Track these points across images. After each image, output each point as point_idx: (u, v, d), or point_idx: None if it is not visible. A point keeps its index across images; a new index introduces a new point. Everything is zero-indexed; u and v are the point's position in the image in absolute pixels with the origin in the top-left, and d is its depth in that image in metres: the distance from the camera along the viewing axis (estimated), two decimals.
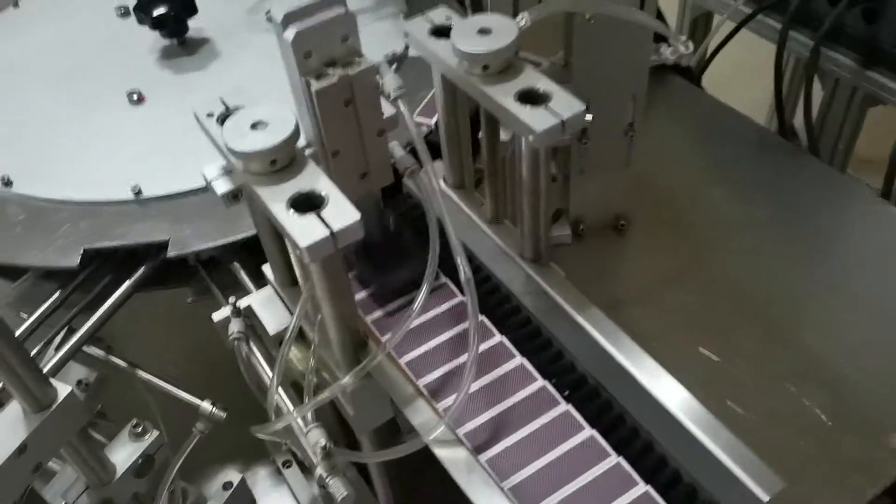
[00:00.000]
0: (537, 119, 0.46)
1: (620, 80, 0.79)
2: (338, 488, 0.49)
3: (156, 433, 0.60)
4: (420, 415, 0.50)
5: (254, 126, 0.44)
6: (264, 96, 0.46)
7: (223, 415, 0.61)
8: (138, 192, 0.68)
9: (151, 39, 0.85)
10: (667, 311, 0.83)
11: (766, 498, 0.43)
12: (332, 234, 0.41)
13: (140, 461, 0.59)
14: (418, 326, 0.54)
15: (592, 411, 0.50)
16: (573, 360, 0.53)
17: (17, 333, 0.61)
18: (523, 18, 0.51)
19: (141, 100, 0.79)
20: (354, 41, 0.46)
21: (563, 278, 0.57)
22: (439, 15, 0.53)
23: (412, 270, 0.52)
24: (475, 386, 0.50)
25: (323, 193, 0.43)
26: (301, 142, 0.45)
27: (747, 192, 0.97)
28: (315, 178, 0.44)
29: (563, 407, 0.49)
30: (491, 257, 0.59)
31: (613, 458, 0.47)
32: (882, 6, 0.97)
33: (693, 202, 0.96)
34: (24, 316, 0.64)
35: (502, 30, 0.48)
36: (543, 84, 0.48)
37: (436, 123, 0.64)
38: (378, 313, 0.55)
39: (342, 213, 0.42)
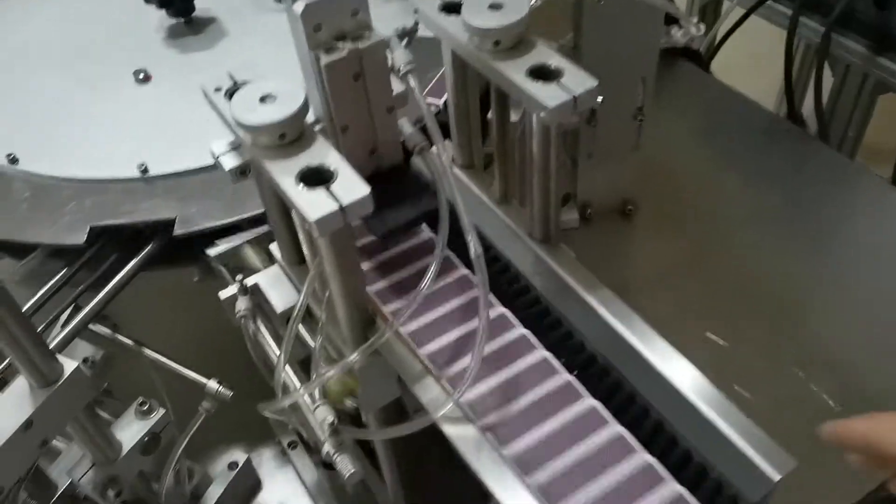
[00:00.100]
0: (549, 95, 0.45)
1: (630, 63, 0.78)
2: (345, 465, 0.49)
3: (162, 411, 0.60)
4: (428, 392, 0.49)
5: (262, 100, 0.44)
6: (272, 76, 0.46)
7: (229, 393, 0.61)
8: (145, 171, 0.68)
9: (158, 18, 0.85)
10: (674, 297, 0.83)
11: (777, 477, 0.43)
12: (342, 208, 0.41)
13: (146, 439, 0.59)
14: (426, 302, 0.53)
15: (602, 391, 0.49)
16: (583, 339, 0.53)
17: (24, 310, 0.61)
18: None
19: (147, 79, 0.78)
20: (364, 15, 0.46)
21: (573, 259, 0.56)
22: None
23: (415, 208, 0.51)
24: (482, 365, 0.49)
25: (332, 168, 0.42)
26: (309, 118, 0.45)
27: (756, 179, 0.96)
28: (324, 153, 0.43)
29: (565, 377, 0.49)
30: (500, 238, 0.59)
31: (615, 427, 0.46)
32: None
33: (701, 188, 0.96)
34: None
35: (514, 5, 0.48)
36: (555, 60, 0.47)
37: (444, 103, 0.63)
38: (382, 283, 0.54)
39: (352, 187, 0.41)
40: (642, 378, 0.50)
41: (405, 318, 0.48)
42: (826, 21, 1.01)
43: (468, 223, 0.46)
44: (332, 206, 0.40)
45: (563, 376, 0.48)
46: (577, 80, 0.46)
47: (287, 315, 0.57)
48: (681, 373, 0.49)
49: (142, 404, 0.59)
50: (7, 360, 0.60)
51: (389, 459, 0.63)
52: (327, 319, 0.52)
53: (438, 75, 0.69)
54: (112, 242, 0.65)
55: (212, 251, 0.61)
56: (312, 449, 0.75)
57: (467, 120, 0.59)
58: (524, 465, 0.45)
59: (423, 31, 0.65)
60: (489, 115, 0.62)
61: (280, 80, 0.45)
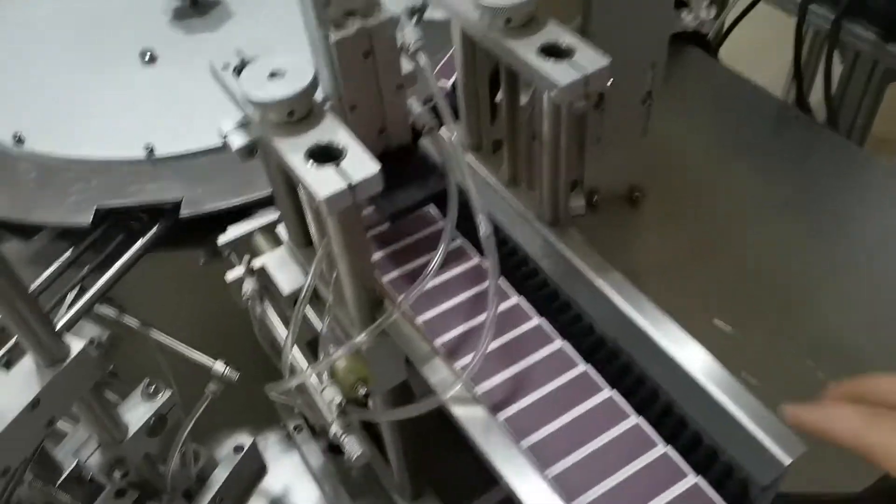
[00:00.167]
0: (560, 73, 0.45)
1: (640, 47, 0.78)
2: (353, 446, 0.49)
3: (168, 393, 0.59)
4: (437, 373, 0.49)
5: (271, 76, 0.43)
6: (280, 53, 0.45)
7: (236, 375, 0.61)
8: (151, 151, 0.68)
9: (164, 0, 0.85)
10: (681, 284, 0.83)
11: (787, 461, 0.43)
12: (351, 185, 0.40)
13: (153, 420, 0.58)
14: (434, 287, 0.53)
15: (611, 373, 0.49)
16: (592, 322, 0.52)
17: (30, 290, 0.61)
18: None
19: (153, 59, 0.78)
20: None
21: (582, 242, 0.56)
22: None
23: (424, 189, 0.50)
24: (493, 346, 0.49)
25: (341, 145, 0.42)
26: (318, 97, 0.44)
27: (764, 166, 0.96)
28: (333, 130, 0.43)
29: (582, 367, 0.48)
30: (508, 220, 0.58)
31: (633, 419, 0.46)
32: None
33: (709, 175, 0.96)
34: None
35: None
36: (567, 39, 0.47)
37: (452, 85, 0.63)
38: (395, 273, 0.54)
39: (361, 164, 0.41)
40: (652, 361, 0.50)
41: (412, 298, 0.48)
42: (836, 8, 1.00)
43: (478, 203, 0.46)
44: (341, 184, 0.40)
45: (581, 367, 0.48)
46: (589, 59, 0.45)
47: (294, 297, 0.56)
48: (691, 355, 0.49)
49: (148, 386, 0.59)
50: (12, 340, 0.59)
51: (395, 443, 0.63)
52: (335, 301, 0.52)
53: (446, 57, 0.69)
54: (118, 223, 0.65)
55: (221, 239, 0.61)
56: (318, 433, 0.75)
57: (476, 101, 0.59)
58: (541, 457, 0.45)
59: (429, 14, 0.65)
60: (497, 97, 0.62)
61: (289, 55, 0.44)
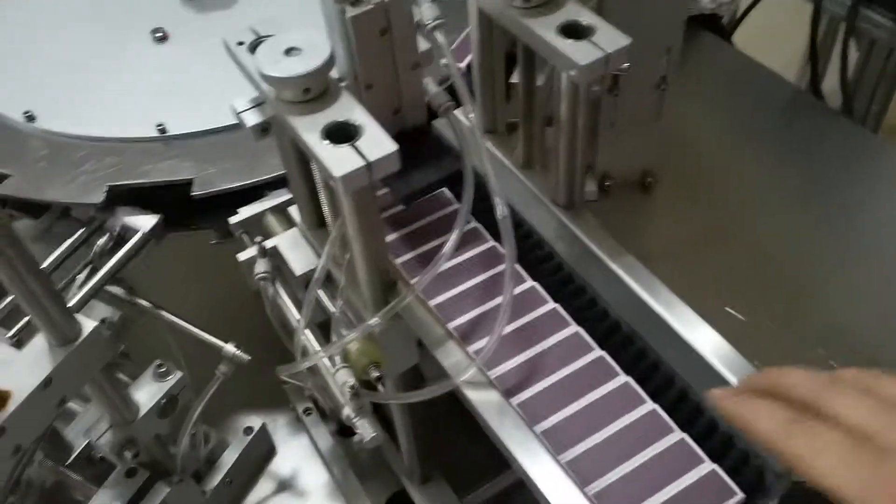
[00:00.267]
0: (580, 53, 0.44)
1: (655, 32, 0.77)
2: (365, 428, 0.48)
3: (179, 374, 0.59)
4: (450, 357, 0.49)
5: (287, 52, 0.43)
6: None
7: (246, 357, 0.61)
8: (163, 130, 0.67)
9: None
10: (693, 271, 0.82)
11: None
12: (368, 164, 0.40)
13: (164, 401, 0.58)
14: (447, 270, 0.53)
15: (626, 359, 0.48)
16: (606, 307, 0.52)
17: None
18: None
19: (164, 38, 0.77)
20: None
21: (597, 225, 0.55)
22: None
23: (439, 170, 0.50)
24: (506, 330, 0.49)
25: (358, 123, 0.41)
26: (332, 75, 0.44)
27: (778, 152, 0.95)
28: (350, 108, 0.42)
29: (597, 353, 0.48)
30: (523, 203, 0.58)
31: (649, 405, 0.45)
32: None
33: (722, 161, 0.95)
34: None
35: None
36: (587, 17, 0.46)
37: (467, 66, 0.62)
38: (409, 255, 0.54)
39: (378, 143, 0.40)
40: (667, 346, 0.49)
41: (426, 281, 0.47)
42: None
43: (495, 185, 0.45)
44: (358, 163, 0.39)
45: (596, 352, 0.48)
46: (610, 38, 0.45)
47: (306, 278, 0.56)
48: (707, 342, 0.49)
49: (159, 367, 0.59)
50: (25, 319, 0.59)
51: (406, 427, 0.63)
52: (347, 282, 0.52)
53: (461, 38, 0.68)
54: (129, 202, 0.64)
55: (233, 219, 0.60)
56: (328, 416, 0.75)
57: (492, 82, 0.58)
58: (555, 443, 0.44)
59: None
60: (511, 78, 0.61)
61: (305, 31, 0.43)
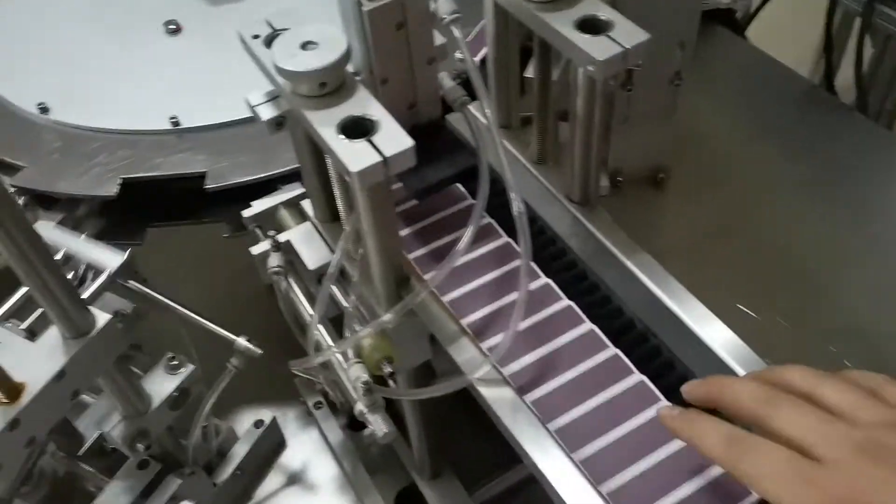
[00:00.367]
0: (598, 48, 0.44)
1: (669, 26, 0.76)
2: (379, 424, 0.48)
3: (191, 367, 0.59)
4: (464, 353, 0.48)
5: (303, 46, 0.42)
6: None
7: (259, 351, 0.61)
8: (176, 123, 0.67)
9: None
10: (704, 267, 0.82)
11: None
12: (384, 159, 0.39)
13: (176, 394, 0.58)
14: (462, 266, 0.52)
15: (641, 356, 0.48)
16: (621, 304, 0.52)
17: None
18: None
19: (177, 30, 0.77)
20: None
21: (612, 222, 0.55)
22: None
23: (454, 165, 0.50)
24: (520, 327, 0.48)
25: (374, 118, 0.41)
26: (348, 69, 0.44)
27: (792, 148, 0.94)
28: (366, 103, 0.42)
29: (611, 350, 0.48)
30: (536, 199, 0.57)
31: (663, 404, 0.45)
32: None
33: (735, 157, 0.94)
34: None
35: None
36: (605, 12, 0.46)
37: (481, 60, 0.61)
38: (422, 250, 0.54)
39: (394, 138, 0.40)
40: (682, 344, 0.49)
41: (440, 277, 0.47)
42: None
43: (511, 180, 0.45)
44: (374, 158, 0.39)
45: (610, 350, 0.47)
46: (628, 33, 0.44)
47: (319, 272, 0.56)
48: (721, 339, 0.48)
49: (171, 359, 0.59)
50: (38, 312, 0.59)
51: (416, 422, 0.62)
52: (360, 278, 0.51)
53: (475, 31, 0.68)
54: (142, 195, 0.64)
55: (246, 212, 0.60)
56: (338, 410, 0.75)
57: (506, 76, 0.58)
58: (569, 440, 0.44)
59: None
60: (526, 72, 0.61)
61: (321, 24, 0.43)
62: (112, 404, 0.57)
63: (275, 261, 0.56)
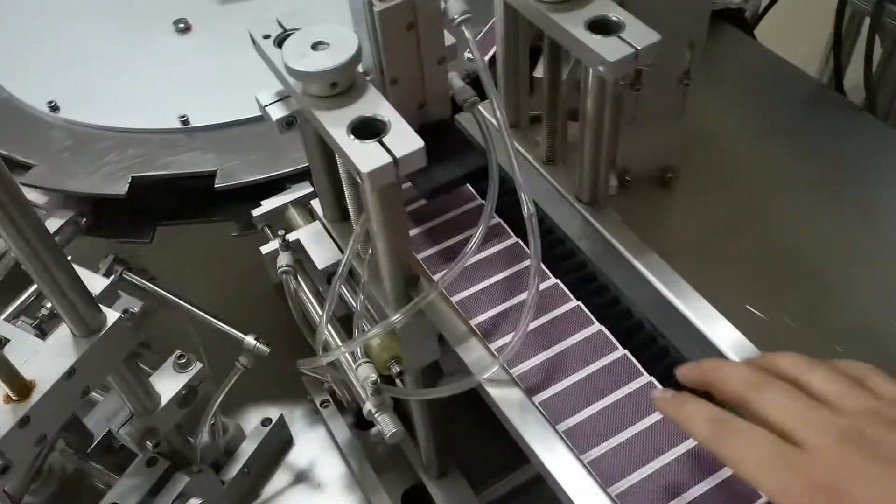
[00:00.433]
0: (609, 49, 0.44)
1: (679, 25, 0.76)
2: (387, 424, 0.48)
3: (199, 365, 0.60)
4: (472, 354, 0.48)
5: (314, 47, 0.42)
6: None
7: (267, 349, 0.61)
8: (185, 122, 0.67)
9: None
10: (712, 268, 0.81)
11: None
12: (395, 160, 0.39)
13: (184, 392, 0.59)
14: (471, 266, 0.53)
15: (649, 357, 0.48)
16: (630, 305, 0.52)
17: None
18: None
19: (187, 28, 0.77)
20: None
21: (621, 222, 0.55)
22: None
23: (463, 166, 0.50)
24: (529, 328, 0.48)
25: (385, 119, 0.41)
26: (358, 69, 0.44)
27: (800, 148, 0.94)
28: (376, 104, 0.42)
29: (620, 352, 0.48)
30: (545, 199, 0.57)
31: None
32: None
33: (743, 156, 0.94)
34: None
35: None
36: (616, 13, 0.45)
37: (490, 59, 0.61)
38: (431, 250, 0.54)
39: (405, 139, 0.40)
40: (690, 345, 0.49)
41: (450, 278, 0.47)
42: None
43: (522, 182, 0.45)
44: (385, 159, 0.39)
45: (619, 351, 0.47)
46: (639, 34, 0.44)
47: (328, 272, 0.56)
48: (730, 340, 0.48)
49: (179, 357, 0.59)
50: (47, 309, 0.60)
51: (423, 422, 0.62)
52: (369, 278, 0.51)
53: (484, 30, 0.67)
54: (152, 194, 0.65)
55: (256, 211, 0.60)
56: (345, 408, 0.75)
57: (516, 76, 0.58)
58: (578, 442, 0.44)
59: None
60: (535, 71, 0.61)
61: (332, 24, 0.43)
62: (121, 402, 0.58)
63: (284, 260, 0.56)
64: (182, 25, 0.77)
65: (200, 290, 0.74)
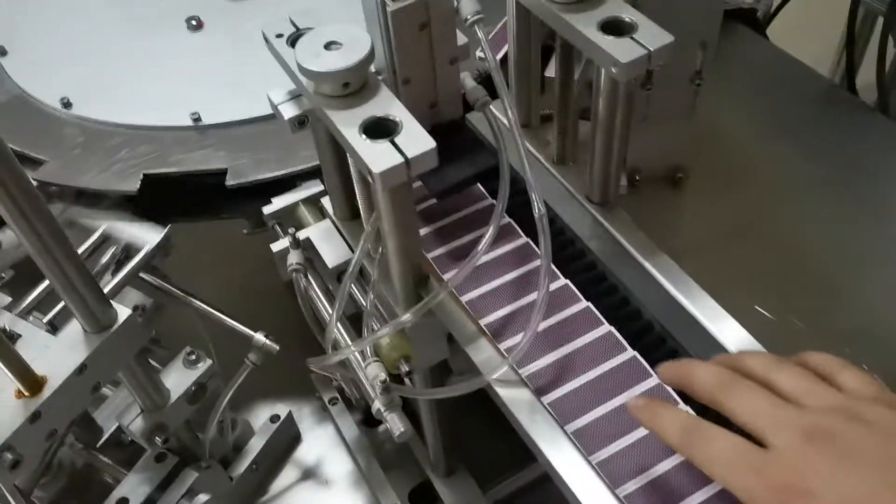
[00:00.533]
0: (622, 50, 0.44)
1: (691, 25, 0.76)
2: (395, 423, 0.49)
3: (209, 362, 0.60)
4: (482, 353, 0.49)
5: (327, 46, 0.42)
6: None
7: (276, 347, 0.61)
8: (197, 119, 0.68)
9: None
10: (722, 268, 0.81)
11: None
12: (407, 160, 0.39)
13: (193, 388, 0.59)
14: (481, 266, 0.52)
15: (659, 359, 0.48)
16: (640, 306, 0.51)
17: None
18: None
19: (199, 26, 0.78)
20: None
21: (631, 223, 0.55)
22: None
23: (474, 165, 0.50)
24: (539, 328, 0.48)
25: (397, 119, 0.41)
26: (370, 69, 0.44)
27: (812, 148, 0.93)
28: (388, 104, 0.42)
29: (630, 353, 0.48)
30: (556, 199, 0.57)
31: (682, 408, 0.45)
32: None
33: (754, 156, 0.94)
34: None
35: None
36: (629, 13, 0.45)
37: (502, 59, 0.61)
38: (441, 250, 0.54)
39: (417, 139, 0.40)
40: (700, 347, 0.49)
41: (460, 278, 0.47)
42: None
43: (533, 182, 0.45)
44: (396, 159, 0.39)
45: (628, 352, 0.47)
46: (652, 35, 0.44)
47: (338, 270, 0.56)
48: (739, 342, 0.48)
49: (189, 354, 0.60)
50: (58, 306, 0.60)
51: (432, 420, 0.63)
52: (379, 276, 0.52)
53: (496, 30, 0.67)
54: (163, 191, 0.65)
55: (267, 209, 0.60)
56: (353, 406, 0.75)
57: (527, 76, 0.58)
58: (586, 443, 0.44)
59: None
60: (546, 71, 0.61)
61: (345, 24, 0.43)
62: (130, 397, 0.58)
63: (294, 258, 0.57)
64: (194, 23, 0.77)
65: (210, 288, 0.74)
